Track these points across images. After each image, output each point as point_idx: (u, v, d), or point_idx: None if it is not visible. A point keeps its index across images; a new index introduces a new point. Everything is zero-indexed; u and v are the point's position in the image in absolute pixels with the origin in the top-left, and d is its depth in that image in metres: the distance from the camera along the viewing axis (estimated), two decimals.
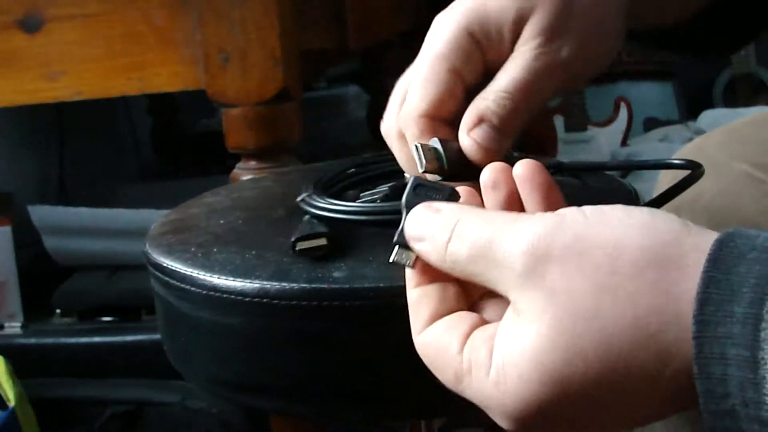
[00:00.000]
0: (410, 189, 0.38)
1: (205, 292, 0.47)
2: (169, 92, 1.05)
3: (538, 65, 0.44)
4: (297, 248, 0.48)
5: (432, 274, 0.37)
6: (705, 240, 0.31)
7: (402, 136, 0.46)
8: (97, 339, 1.20)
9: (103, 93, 1.01)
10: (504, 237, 0.34)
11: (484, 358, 0.34)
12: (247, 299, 0.46)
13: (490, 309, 0.37)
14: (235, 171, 1.00)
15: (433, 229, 0.36)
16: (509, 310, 0.34)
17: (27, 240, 1.29)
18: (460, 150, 0.44)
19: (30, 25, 1.00)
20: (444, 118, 0.45)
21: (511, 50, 0.45)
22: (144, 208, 1.27)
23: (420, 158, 0.42)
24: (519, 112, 0.44)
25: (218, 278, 0.47)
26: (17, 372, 1.04)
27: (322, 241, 0.48)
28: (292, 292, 0.45)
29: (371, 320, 0.44)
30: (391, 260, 0.38)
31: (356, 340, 0.45)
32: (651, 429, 0.66)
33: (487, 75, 0.46)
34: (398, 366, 0.45)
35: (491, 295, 0.36)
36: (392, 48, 1.62)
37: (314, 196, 0.54)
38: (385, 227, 0.51)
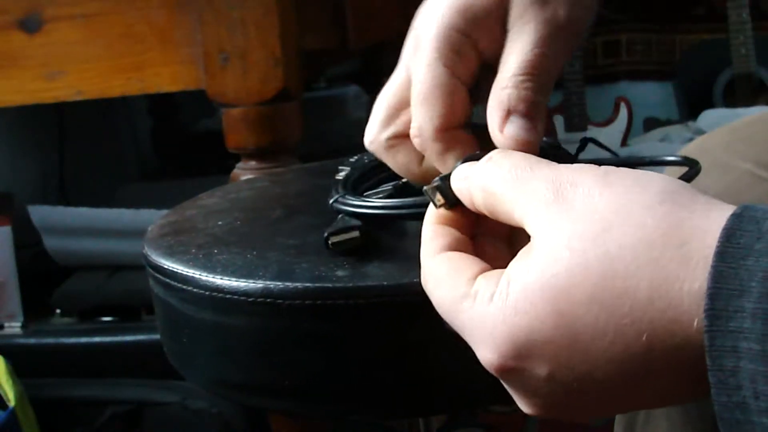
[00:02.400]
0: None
1: (207, 293, 0.47)
2: (169, 92, 1.05)
3: (542, 34, 0.42)
4: (330, 242, 0.48)
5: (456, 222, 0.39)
6: (714, 220, 0.31)
7: (391, 147, 0.46)
8: (97, 339, 1.20)
9: (103, 93, 1.01)
10: (541, 167, 0.36)
11: (492, 285, 0.35)
12: (251, 299, 0.46)
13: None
14: (235, 171, 1.00)
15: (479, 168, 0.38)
16: (525, 247, 0.35)
17: (27, 240, 1.29)
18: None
19: (30, 25, 1.00)
20: (458, 124, 0.44)
21: (504, 31, 0.43)
22: (144, 208, 1.27)
23: (432, 201, 0.41)
24: (543, 90, 0.42)
25: (221, 279, 0.47)
26: (17, 372, 1.04)
27: (355, 234, 0.48)
28: (296, 292, 0.45)
29: (376, 319, 0.44)
30: (424, 189, 0.40)
31: (361, 339, 0.45)
32: (656, 425, 0.66)
33: (485, 63, 0.44)
34: (403, 364, 0.45)
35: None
36: (392, 48, 1.62)
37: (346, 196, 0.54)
38: (393, 223, 0.51)
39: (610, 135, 2.40)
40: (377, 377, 0.45)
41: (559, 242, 0.33)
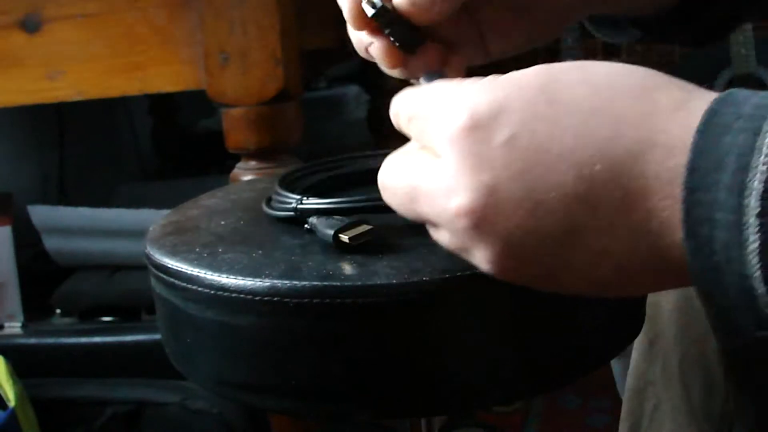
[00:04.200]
0: None
1: (213, 292, 0.47)
2: (169, 92, 1.05)
3: None
4: (342, 239, 0.48)
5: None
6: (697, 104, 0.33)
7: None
8: (97, 339, 1.20)
9: (103, 93, 1.01)
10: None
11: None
12: (257, 298, 0.45)
13: None
14: (235, 171, 1.00)
15: None
16: None
17: (27, 240, 1.29)
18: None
19: (30, 25, 1.00)
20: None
21: None
22: (144, 208, 1.27)
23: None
24: None
25: (227, 278, 0.47)
26: (17, 372, 1.04)
27: (367, 228, 0.48)
28: (303, 290, 0.45)
29: (384, 317, 0.44)
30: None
31: (369, 337, 0.45)
32: (660, 424, 0.66)
33: None
34: (408, 364, 0.45)
35: None
36: None
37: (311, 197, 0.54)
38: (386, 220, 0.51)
39: None
40: (382, 377, 0.45)
41: (555, 66, 0.36)
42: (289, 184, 0.58)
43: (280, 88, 0.95)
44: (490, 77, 0.36)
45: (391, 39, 0.45)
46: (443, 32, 0.46)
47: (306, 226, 0.52)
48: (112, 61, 0.99)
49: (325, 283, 0.44)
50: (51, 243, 1.30)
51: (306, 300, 0.44)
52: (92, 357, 1.19)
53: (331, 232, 0.49)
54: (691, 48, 0.60)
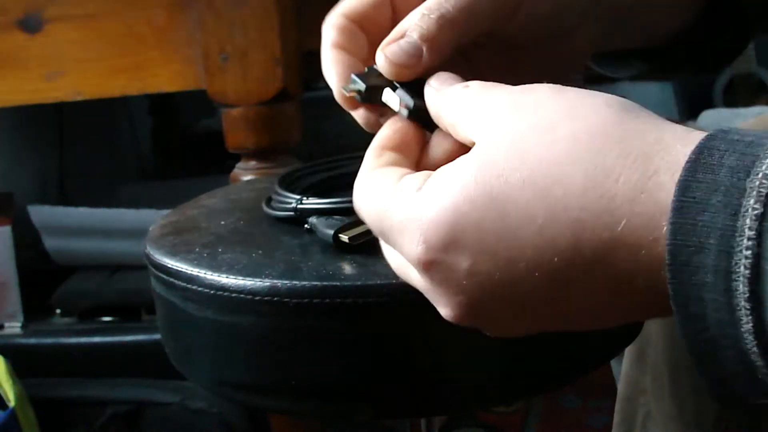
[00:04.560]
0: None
1: (213, 292, 0.47)
2: (169, 92, 1.05)
3: None
4: (342, 239, 0.48)
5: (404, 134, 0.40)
6: (656, 125, 0.32)
7: (333, 46, 0.45)
8: (97, 339, 1.20)
9: (103, 93, 1.01)
10: (502, 85, 0.37)
11: (420, 178, 0.35)
12: (258, 298, 0.45)
13: None
14: (235, 171, 1.00)
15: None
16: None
17: (27, 240, 1.29)
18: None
19: (30, 25, 1.00)
20: (365, 27, 0.44)
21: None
22: (144, 208, 1.27)
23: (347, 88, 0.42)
24: (446, 28, 0.41)
25: (227, 277, 0.47)
26: (17, 372, 1.04)
27: (367, 228, 0.48)
28: (303, 290, 0.45)
29: (384, 317, 0.44)
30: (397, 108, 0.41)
31: (369, 337, 0.45)
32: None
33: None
34: (408, 364, 0.45)
35: None
36: None
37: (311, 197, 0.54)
38: None
39: None
40: (382, 376, 0.45)
41: (500, 133, 0.34)
42: (289, 184, 0.58)
43: (279, 88, 0.95)
44: (430, 182, 0.34)
45: (405, 112, 0.41)
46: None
47: (306, 226, 0.52)
48: (112, 61, 0.99)
49: (325, 283, 0.44)
50: (51, 243, 1.30)
51: (306, 300, 0.44)
52: (92, 357, 1.19)
53: (331, 232, 0.49)
54: (696, 75, 0.59)
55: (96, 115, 1.72)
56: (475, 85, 0.38)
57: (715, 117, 2.26)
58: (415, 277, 0.37)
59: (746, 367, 0.29)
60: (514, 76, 0.42)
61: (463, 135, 0.37)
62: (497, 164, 0.33)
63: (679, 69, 0.55)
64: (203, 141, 1.88)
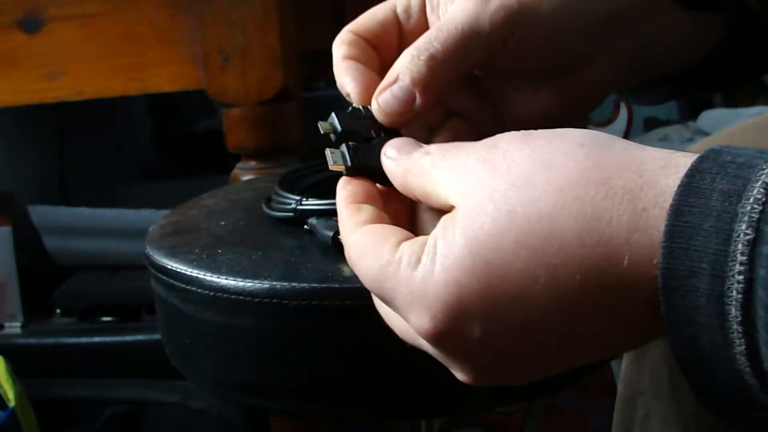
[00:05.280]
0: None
1: (212, 293, 0.47)
2: (169, 92, 1.05)
3: (461, 19, 0.41)
4: (341, 241, 0.47)
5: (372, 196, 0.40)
6: (633, 155, 0.32)
7: (345, 58, 0.45)
8: (97, 339, 1.20)
9: (103, 93, 1.01)
10: (465, 144, 0.37)
11: (417, 249, 0.35)
12: (257, 300, 0.45)
13: None
14: (235, 171, 1.00)
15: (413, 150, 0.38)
16: (449, 213, 0.35)
17: (27, 240, 1.29)
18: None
19: (30, 25, 1.00)
20: (375, 45, 0.44)
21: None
22: (144, 208, 1.27)
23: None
24: (436, 69, 0.40)
25: (226, 279, 0.47)
26: (17, 372, 1.04)
27: None
28: (302, 292, 0.45)
29: (383, 319, 0.44)
30: (331, 166, 0.40)
31: (367, 339, 0.45)
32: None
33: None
34: (407, 365, 0.45)
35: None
36: None
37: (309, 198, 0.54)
38: None
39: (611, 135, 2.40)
40: (382, 377, 0.45)
41: (481, 197, 0.33)
42: (289, 184, 0.58)
43: (279, 88, 0.95)
44: (426, 255, 0.34)
45: (345, 173, 0.41)
46: (449, 105, 0.45)
47: (305, 226, 0.52)
48: (112, 61, 0.99)
49: (324, 284, 0.45)
50: (51, 243, 1.30)
51: (305, 302, 0.44)
52: (92, 357, 1.19)
53: (331, 233, 0.49)
54: (723, 92, 0.57)
55: (96, 115, 1.72)
56: (434, 149, 0.38)
57: (715, 117, 2.26)
58: (425, 345, 0.37)
59: (740, 385, 0.30)
60: (524, 105, 0.44)
61: (440, 204, 0.36)
62: (485, 230, 0.33)
63: (705, 88, 0.53)
64: (203, 141, 1.88)
